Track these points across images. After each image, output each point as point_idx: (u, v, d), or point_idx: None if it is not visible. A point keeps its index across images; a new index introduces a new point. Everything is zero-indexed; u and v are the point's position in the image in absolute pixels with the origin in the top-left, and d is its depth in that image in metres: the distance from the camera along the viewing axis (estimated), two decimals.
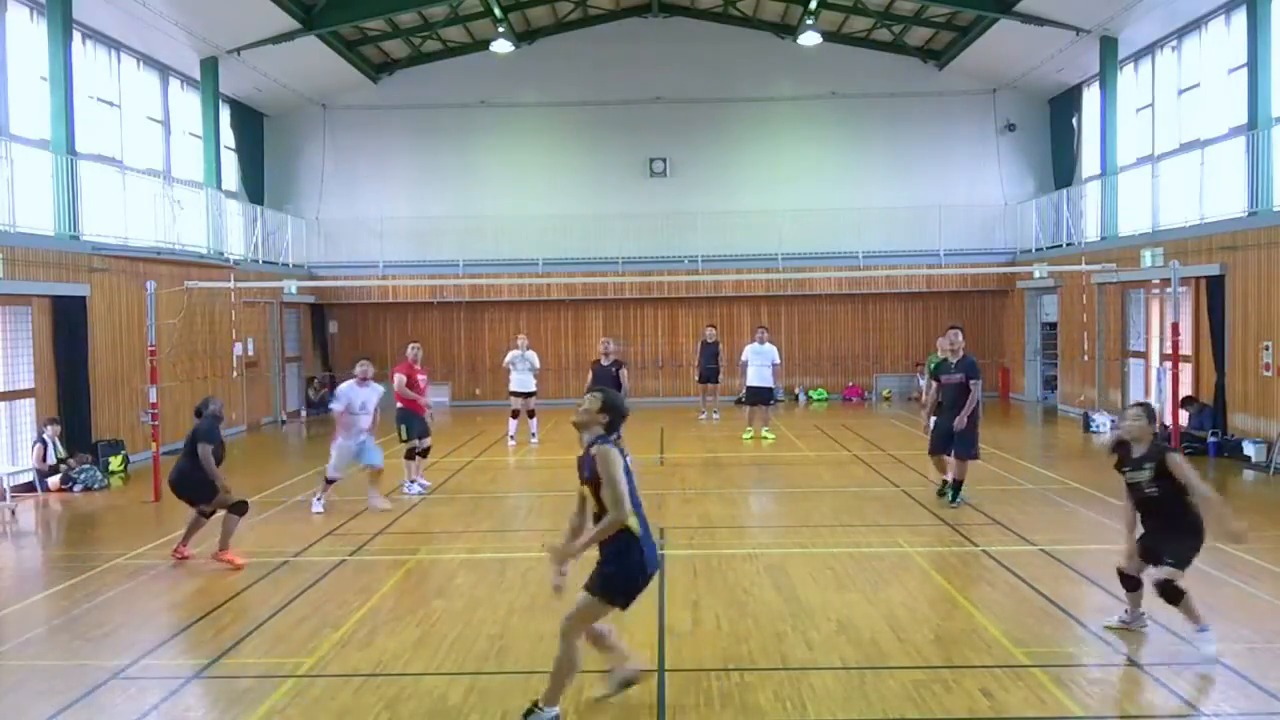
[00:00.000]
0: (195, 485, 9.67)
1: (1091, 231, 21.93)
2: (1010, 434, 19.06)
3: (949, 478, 11.81)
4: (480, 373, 25.62)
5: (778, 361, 17.75)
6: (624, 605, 5.81)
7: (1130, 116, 21.32)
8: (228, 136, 23.39)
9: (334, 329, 25.93)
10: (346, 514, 11.84)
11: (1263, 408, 15.03)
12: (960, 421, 11.37)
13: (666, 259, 25.14)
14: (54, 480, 13.90)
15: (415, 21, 23.95)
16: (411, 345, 14.01)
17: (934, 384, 12.11)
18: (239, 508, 9.73)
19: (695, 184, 25.79)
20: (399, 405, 13.27)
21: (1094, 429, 18.65)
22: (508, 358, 17.65)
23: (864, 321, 25.89)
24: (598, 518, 5.73)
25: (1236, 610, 7.68)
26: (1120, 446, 7.08)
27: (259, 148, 25.36)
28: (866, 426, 20.04)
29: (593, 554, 5.82)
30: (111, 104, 19.06)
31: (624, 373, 14.85)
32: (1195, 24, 18.83)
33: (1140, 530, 7.06)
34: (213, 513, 9.86)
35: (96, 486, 14.13)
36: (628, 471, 5.74)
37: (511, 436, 17.72)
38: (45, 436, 14.01)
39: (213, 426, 9.77)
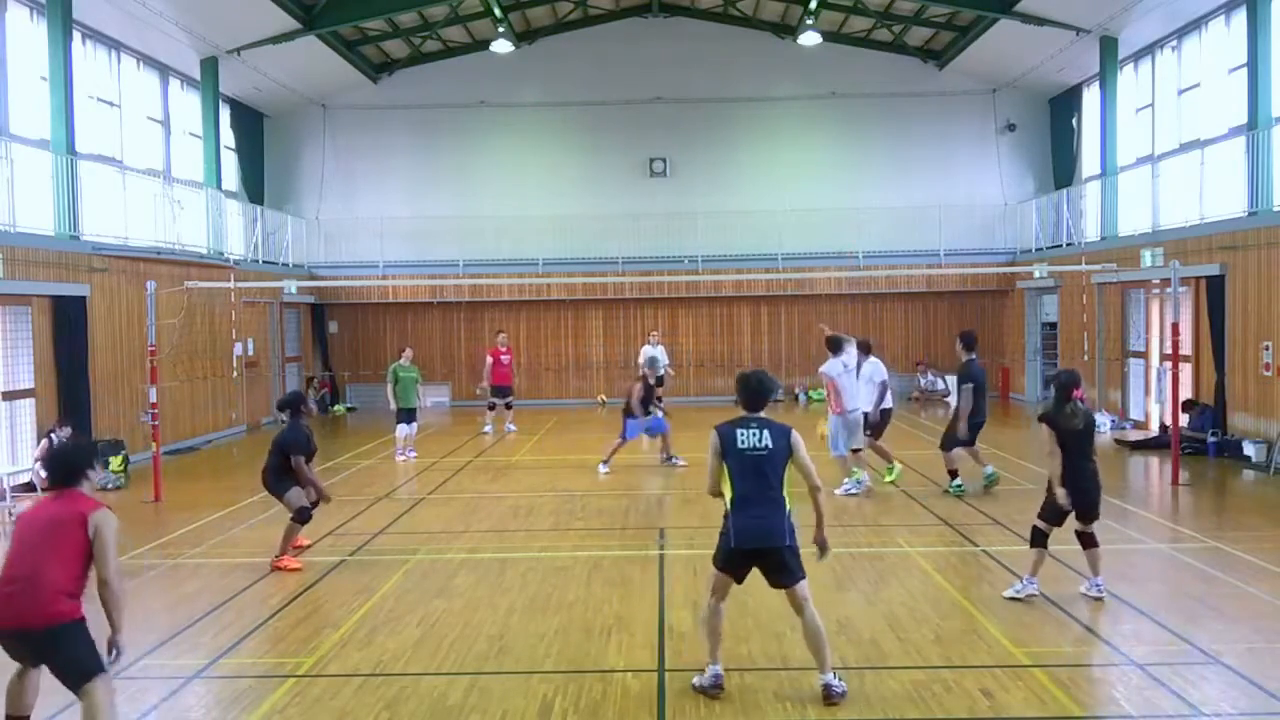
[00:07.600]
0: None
1: (1091, 231, 21.92)
2: (1010, 434, 19.03)
3: None
4: (480, 372, 25.57)
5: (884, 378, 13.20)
6: (720, 568, 6.32)
7: (1130, 116, 21.32)
8: (228, 136, 23.38)
9: (334, 329, 25.93)
10: (347, 514, 11.84)
11: (1263, 408, 15.02)
12: None
13: (666, 259, 25.13)
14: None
15: (415, 21, 23.94)
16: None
17: None
18: (302, 514, 9.53)
19: (695, 184, 25.78)
20: None
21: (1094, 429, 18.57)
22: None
23: (864, 321, 25.80)
24: None
25: (1236, 610, 7.69)
26: None
27: (259, 148, 25.36)
28: None
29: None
30: (111, 104, 19.05)
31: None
32: (1195, 24, 18.83)
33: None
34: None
35: (111, 486, 14.12)
36: (739, 449, 6.38)
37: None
38: (52, 437, 13.96)
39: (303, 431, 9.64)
